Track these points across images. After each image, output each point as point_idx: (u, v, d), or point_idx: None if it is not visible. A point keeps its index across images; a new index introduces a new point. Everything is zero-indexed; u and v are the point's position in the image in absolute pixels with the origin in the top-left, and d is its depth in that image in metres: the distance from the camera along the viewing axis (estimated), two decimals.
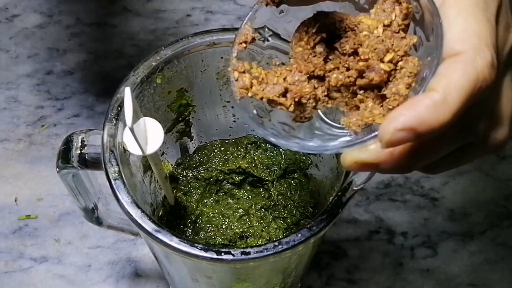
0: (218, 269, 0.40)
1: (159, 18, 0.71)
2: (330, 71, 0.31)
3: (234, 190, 0.50)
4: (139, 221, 0.36)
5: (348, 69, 0.31)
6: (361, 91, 0.31)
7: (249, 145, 0.50)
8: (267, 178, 0.49)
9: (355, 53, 0.31)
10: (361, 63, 0.30)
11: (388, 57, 0.30)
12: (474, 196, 0.62)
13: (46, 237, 0.58)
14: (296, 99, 0.31)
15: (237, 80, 0.31)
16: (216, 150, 0.50)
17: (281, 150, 0.49)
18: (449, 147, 0.30)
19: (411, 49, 0.30)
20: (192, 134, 0.50)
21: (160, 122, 0.38)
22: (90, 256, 0.58)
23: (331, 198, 0.38)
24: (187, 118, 0.48)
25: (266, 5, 0.32)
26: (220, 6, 0.72)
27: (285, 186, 0.49)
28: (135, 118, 0.34)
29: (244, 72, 0.31)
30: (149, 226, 0.36)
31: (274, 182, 0.49)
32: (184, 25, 0.70)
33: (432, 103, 0.26)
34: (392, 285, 0.57)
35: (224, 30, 0.43)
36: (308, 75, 0.32)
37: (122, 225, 0.49)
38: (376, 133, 0.28)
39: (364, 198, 0.61)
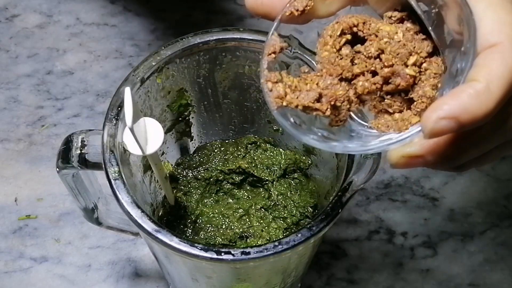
0: (218, 269, 0.40)
1: (159, 18, 0.71)
2: (357, 75, 0.32)
3: (234, 190, 0.50)
4: (139, 221, 0.36)
5: (374, 74, 0.31)
6: (388, 96, 0.31)
7: (249, 145, 0.50)
8: (267, 178, 0.49)
9: (380, 56, 0.31)
10: (386, 70, 0.31)
11: (412, 60, 0.30)
12: (474, 196, 0.62)
13: (46, 237, 0.58)
14: (332, 103, 0.31)
15: (271, 90, 0.31)
16: (216, 150, 0.50)
17: (281, 150, 0.49)
18: (494, 142, 0.30)
19: (433, 50, 0.30)
20: (192, 134, 0.50)
21: (160, 122, 0.38)
22: (90, 256, 0.58)
23: (331, 198, 0.38)
24: (187, 118, 0.48)
25: (290, 14, 0.32)
26: (220, 6, 0.72)
27: (285, 186, 0.49)
28: (135, 118, 0.34)
29: (276, 82, 0.31)
30: (149, 226, 0.36)
31: (274, 182, 0.49)
32: (184, 25, 0.70)
33: (475, 92, 0.26)
34: (392, 285, 0.57)
35: (224, 30, 0.43)
36: (338, 78, 0.32)
37: (122, 225, 0.49)
38: (420, 128, 0.28)
39: (364, 198, 0.61)
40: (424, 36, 0.31)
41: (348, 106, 0.32)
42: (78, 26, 0.70)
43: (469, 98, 0.26)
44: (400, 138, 0.29)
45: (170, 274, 0.49)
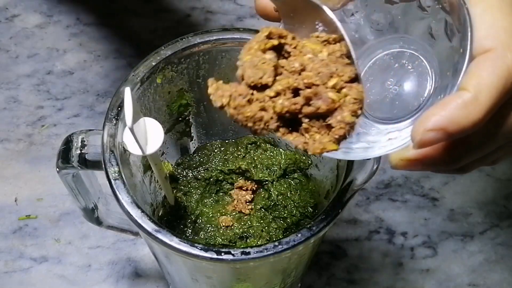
0: (218, 269, 0.40)
1: (159, 18, 0.71)
2: (276, 95, 0.30)
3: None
4: (139, 221, 0.36)
5: (295, 94, 0.30)
6: (307, 120, 0.30)
7: (249, 145, 0.50)
8: (266, 178, 0.49)
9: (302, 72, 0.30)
10: (308, 90, 0.29)
11: (333, 81, 0.29)
12: (474, 196, 0.62)
13: (46, 237, 0.58)
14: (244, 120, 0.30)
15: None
16: (216, 150, 0.50)
17: (281, 150, 0.49)
18: (492, 144, 0.30)
19: (355, 76, 0.30)
20: (192, 134, 0.50)
21: (160, 122, 0.38)
22: (90, 256, 0.58)
23: (331, 198, 0.38)
24: (187, 118, 0.48)
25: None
26: (220, 6, 0.72)
27: (285, 186, 0.49)
28: (135, 118, 0.34)
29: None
30: (149, 226, 0.36)
31: (274, 182, 0.49)
32: (184, 25, 0.70)
33: (462, 102, 0.26)
34: (392, 285, 0.57)
35: (224, 30, 0.43)
36: (254, 87, 0.30)
37: (122, 225, 0.49)
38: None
39: (364, 198, 0.61)
40: (349, 61, 0.30)
41: (265, 124, 0.30)
42: (78, 26, 0.70)
43: (456, 109, 0.26)
44: (399, 146, 0.30)
45: (170, 274, 0.49)
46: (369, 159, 0.37)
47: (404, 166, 0.30)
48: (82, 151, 0.40)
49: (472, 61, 0.27)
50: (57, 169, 0.41)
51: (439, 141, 0.27)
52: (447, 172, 0.33)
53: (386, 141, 0.32)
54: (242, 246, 0.47)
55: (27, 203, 0.60)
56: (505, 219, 0.61)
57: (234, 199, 0.48)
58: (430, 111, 0.27)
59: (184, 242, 0.35)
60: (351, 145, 0.32)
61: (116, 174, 0.37)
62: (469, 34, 0.27)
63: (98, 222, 0.48)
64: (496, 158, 0.32)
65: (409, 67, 0.33)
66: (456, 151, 0.29)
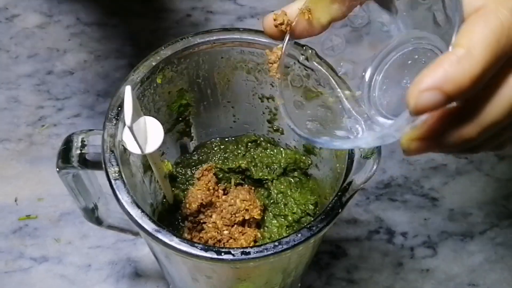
0: (218, 269, 0.40)
1: (159, 18, 0.71)
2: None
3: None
4: (139, 221, 0.36)
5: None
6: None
7: (249, 144, 0.50)
8: (266, 177, 0.48)
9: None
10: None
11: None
12: (474, 196, 0.62)
13: (46, 237, 0.58)
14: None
15: None
16: (216, 149, 0.50)
17: (281, 149, 0.49)
18: (501, 111, 0.28)
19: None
20: (192, 134, 0.50)
21: (160, 122, 0.38)
22: (90, 256, 0.58)
23: (331, 198, 0.38)
24: (187, 118, 0.48)
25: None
26: (220, 6, 0.72)
27: (285, 184, 0.48)
28: (135, 117, 0.34)
29: None
30: (149, 226, 0.36)
31: (274, 181, 0.49)
32: (184, 25, 0.70)
33: (456, 58, 0.25)
34: (392, 285, 0.57)
35: (224, 30, 0.43)
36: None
37: (122, 225, 0.49)
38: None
39: (364, 198, 0.61)
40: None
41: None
42: (78, 26, 0.70)
43: (450, 66, 0.25)
44: (397, 123, 0.28)
45: (170, 274, 0.49)
46: (369, 159, 0.37)
47: (416, 148, 0.28)
48: (82, 151, 0.40)
49: (464, 22, 0.26)
50: (57, 169, 0.41)
51: (438, 104, 0.25)
52: (459, 152, 0.31)
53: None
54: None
55: (27, 203, 0.60)
56: (505, 219, 0.61)
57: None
58: (423, 72, 0.25)
59: (184, 242, 0.35)
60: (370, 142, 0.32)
61: (116, 174, 0.37)
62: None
63: (98, 222, 0.48)
64: (503, 141, 0.31)
65: (422, 61, 0.33)
66: (462, 121, 0.27)
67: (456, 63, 0.25)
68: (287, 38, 0.34)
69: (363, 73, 0.36)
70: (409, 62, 0.34)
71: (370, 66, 0.35)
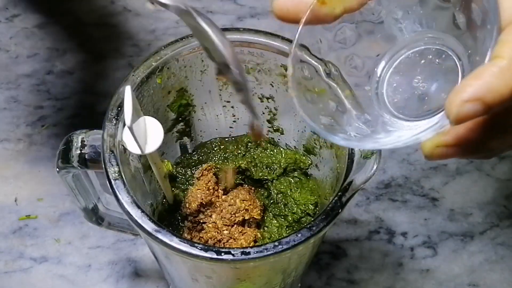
0: (218, 269, 0.40)
1: (159, 18, 0.71)
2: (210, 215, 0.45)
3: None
4: (139, 221, 0.36)
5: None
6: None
7: (249, 144, 0.50)
8: (266, 177, 0.48)
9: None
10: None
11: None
12: (474, 196, 0.62)
13: (46, 237, 0.58)
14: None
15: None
16: (215, 148, 0.50)
17: (281, 149, 0.49)
18: None
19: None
20: (192, 134, 0.50)
21: (160, 122, 0.38)
22: (90, 256, 0.58)
23: (331, 198, 0.37)
24: (187, 118, 0.48)
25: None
26: (220, 6, 0.72)
27: (285, 184, 0.48)
28: (135, 117, 0.34)
29: None
30: (149, 226, 0.36)
31: (274, 181, 0.49)
32: (184, 25, 0.70)
33: (498, 69, 0.25)
34: (392, 285, 0.57)
35: (224, 30, 0.43)
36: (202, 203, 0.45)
37: (122, 225, 0.49)
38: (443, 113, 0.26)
39: (364, 198, 0.61)
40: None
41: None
42: (78, 26, 0.70)
43: (492, 77, 0.24)
44: (429, 126, 0.28)
45: (170, 274, 0.49)
46: (369, 159, 0.37)
47: (441, 155, 0.28)
48: (82, 151, 0.40)
49: (503, 31, 0.26)
50: (57, 169, 0.41)
51: (477, 115, 0.25)
52: (478, 158, 0.30)
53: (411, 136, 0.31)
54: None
55: (27, 203, 0.60)
56: (505, 219, 0.61)
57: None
58: (464, 82, 0.25)
59: (184, 242, 0.35)
60: (380, 139, 0.32)
61: (116, 174, 0.37)
62: (494, 7, 0.26)
63: (98, 222, 0.48)
64: None
65: (436, 62, 0.33)
66: (492, 131, 0.27)
67: (499, 74, 0.25)
68: (300, 26, 0.33)
69: (375, 69, 0.35)
70: (422, 61, 0.34)
71: (380, 62, 0.35)
